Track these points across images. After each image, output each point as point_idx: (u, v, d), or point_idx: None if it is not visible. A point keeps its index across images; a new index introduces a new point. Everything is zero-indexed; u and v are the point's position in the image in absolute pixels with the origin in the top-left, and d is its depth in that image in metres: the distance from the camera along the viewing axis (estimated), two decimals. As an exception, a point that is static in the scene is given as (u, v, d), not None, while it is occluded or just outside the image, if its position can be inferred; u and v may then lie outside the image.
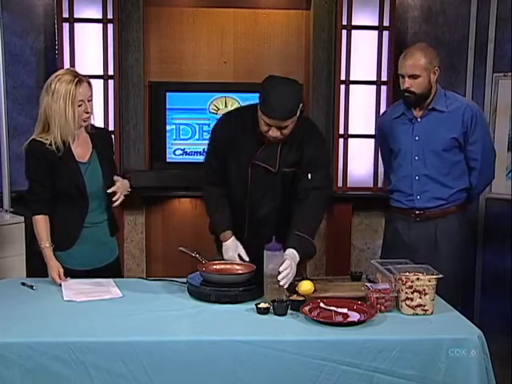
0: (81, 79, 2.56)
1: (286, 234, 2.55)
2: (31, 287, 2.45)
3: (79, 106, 2.55)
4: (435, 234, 3.00)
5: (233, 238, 2.67)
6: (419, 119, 3.00)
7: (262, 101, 2.47)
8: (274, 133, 2.49)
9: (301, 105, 2.50)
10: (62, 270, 2.53)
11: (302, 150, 2.63)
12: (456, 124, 2.94)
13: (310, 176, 2.61)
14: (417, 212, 3.02)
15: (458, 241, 3.03)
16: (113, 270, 2.73)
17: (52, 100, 2.53)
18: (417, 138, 2.99)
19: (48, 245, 2.56)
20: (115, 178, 2.71)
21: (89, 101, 2.58)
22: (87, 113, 2.59)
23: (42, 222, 2.58)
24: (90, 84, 2.60)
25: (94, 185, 2.64)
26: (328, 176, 2.74)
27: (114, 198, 2.64)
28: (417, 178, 3.00)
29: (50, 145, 2.55)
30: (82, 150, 2.64)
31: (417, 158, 2.99)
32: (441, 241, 3.00)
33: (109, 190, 2.63)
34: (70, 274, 2.57)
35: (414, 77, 2.88)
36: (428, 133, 2.97)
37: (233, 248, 2.64)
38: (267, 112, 2.45)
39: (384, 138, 3.17)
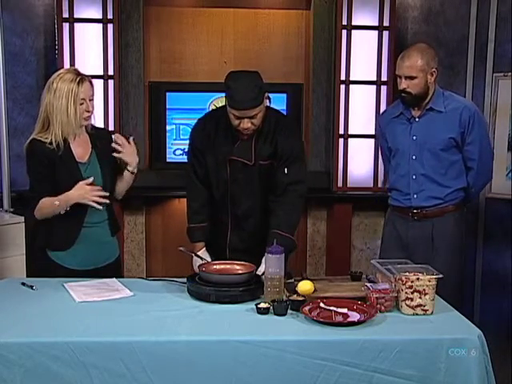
0: (83, 78, 2.57)
1: (268, 230, 2.63)
2: (31, 287, 2.45)
3: (81, 104, 2.56)
4: (432, 232, 3.03)
5: (203, 249, 2.77)
6: (417, 119, 3.02)
7: (228, 96, 2.59)
8: (245, 124, 2.59)
9: (266, 94, 2.61)
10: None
11: (276, 142, 2.70)
12: (454, 124, 2.96)
13: (286, 170, 2.69)
14: (414, 211, 3.05)
15: (454, 240, 3.05)
16: (113, 270, 2.72)
17: (54, 98, 2.53)
18: (414, 138, 3.01)
19: (57, 201, 2.53)
20: (131, 140, 2.70)
21: (90, 100, 2.60)
22: (88, 111, 2.60)
23: (43, 200, 2.57)
24: (91, 83, 2.61)
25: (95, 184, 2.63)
26: (303, 168, 2.79)
27: (114, 146, 2.65)
28: (414, 177, 3.03)
29: (50, 143, 2.55)
30: (81, 150, 2.65)
31: (414, 157, 3.02)
32: (437, 240, 3.02)
33: (114, 139, 2.66)
34: (70, 274, 2.57)
35: (410, 78, 2.92)
36: (425, 133, 2.99)
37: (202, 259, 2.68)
38: (234, 105, 2.57)
39: (383, 137, 3.20)
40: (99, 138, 2.72)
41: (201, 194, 2.81)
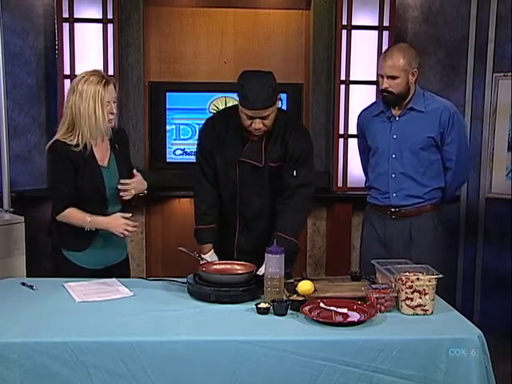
0: (108, 80, 2.58)
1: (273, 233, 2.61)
2: (31, 287, 2.45)
3: (106, 106, 2.55)
4: (410, 231, 3.04)
5: (212, 251, 2.76)
6: (397, 118, 3.04)
7: (241, 95, 2.55)
8: (257, 125, 2.56)
9: (279, 94, 2.59)
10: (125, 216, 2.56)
11: (286, 143, 2.68)
12: (433, 124, 2.98)
13: (294, 173, 2.67)
14: (392, 210, 3.06)
15: (432, 239, 3.05)
16: (123, 269, 2.76)
17: (80, 100, 2.53)
18: (394, 137, 3.03)
19: (89, 218, 2.54)
20: (135, 172, 2.69)
21: (114, 102, 2.59)
22: (112, 114, 2.59)
23: (73, 211, 2.56)
24: (115, 86, 2.61)
25: (113, 188, 2.64)
26: (312, 170, 2.79)
27: (121, 194, 2.62)
28: (393, 175, 3.04)
29: (76, 146, 2.55)
30: (101, 153, 2.65)
31: (394, 156, 3.03)
32: (415, 239, 3.03)
33: (120, 187, 2.61)
34: (84, 273, 2.59)
35: (392, 78, 2.93)
36: (406, 132, 3.01)
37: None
38: (247, 104, 2.53)
39: (362, 135, 3.21)
40: (117, 140, 2.72)
41: (209, 194, 2.79)
